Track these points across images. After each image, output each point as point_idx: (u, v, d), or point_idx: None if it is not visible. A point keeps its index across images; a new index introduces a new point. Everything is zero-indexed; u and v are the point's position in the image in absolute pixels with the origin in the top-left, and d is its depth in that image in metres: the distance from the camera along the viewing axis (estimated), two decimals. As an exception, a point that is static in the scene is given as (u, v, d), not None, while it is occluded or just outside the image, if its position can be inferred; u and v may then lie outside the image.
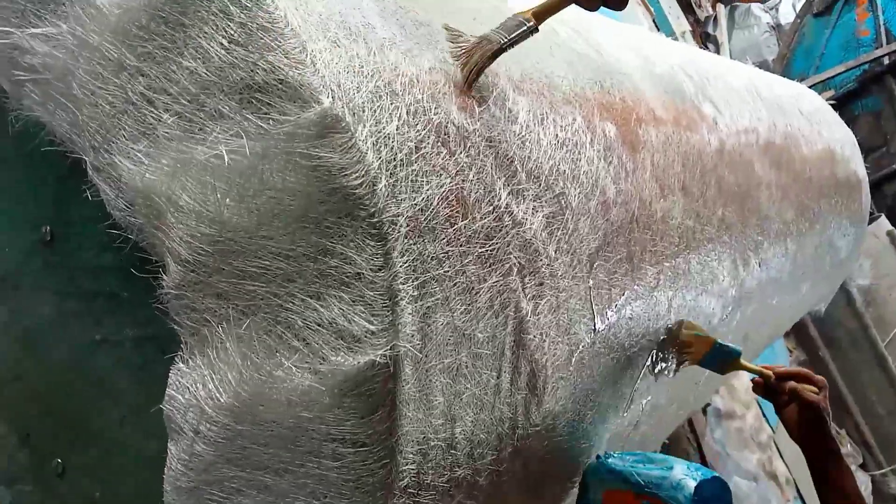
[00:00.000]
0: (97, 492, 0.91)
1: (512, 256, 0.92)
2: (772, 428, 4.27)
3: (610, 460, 1.33)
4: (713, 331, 1.62)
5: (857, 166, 3.12)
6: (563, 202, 1.05)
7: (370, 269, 0.74)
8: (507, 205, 0.93)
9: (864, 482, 5.17)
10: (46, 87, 0.86)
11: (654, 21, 6.15)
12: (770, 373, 1.50)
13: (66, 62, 0.84)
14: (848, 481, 1.51)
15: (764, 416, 4.25)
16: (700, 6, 7.64)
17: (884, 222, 5.37)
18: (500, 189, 0.93)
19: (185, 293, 0.79)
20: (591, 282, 1.10)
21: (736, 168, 1.75)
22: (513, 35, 0.98)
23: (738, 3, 7.43)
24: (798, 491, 4.19)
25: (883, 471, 5.17)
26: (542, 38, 1.29)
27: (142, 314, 0.86)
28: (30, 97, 0.87)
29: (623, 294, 1.20)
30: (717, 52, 7.22)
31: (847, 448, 5.19)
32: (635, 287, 1.24)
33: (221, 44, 0.77)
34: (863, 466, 5.30)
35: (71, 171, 0.88)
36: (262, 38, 0.75)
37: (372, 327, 0.74)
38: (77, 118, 0.84)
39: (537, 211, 0.99)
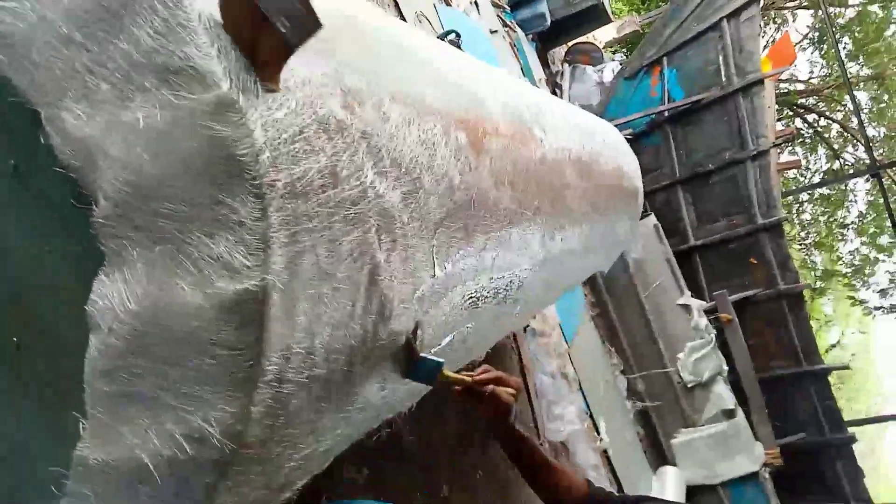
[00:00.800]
0: (43, 364, 0.79)
1: (372, 219, 0.84)
2: (567, 345, 4.36)
3: None
4: (523, 280, 1.58)
5: (637, 181, 3.13)
6: (417, 184, 0.97)
7: (250, 219, 0.65)
8: (371, 181, 0.85)
9: (622, 382, 5.36)
10: (11, 51, 0.72)
11: (521, 69, 6.08)
12: (469, 379, 1.21)
13: (27, 32, 0.71)
14: (538, 457, 1.27)
15: (563, 336, 4.35)
16: (553, 63, 7.62)
17: (652, 219, 5.51)
18: (368, 169, 0.84)
19: (110, 223, 0.69)
20: (434, 242, 1.04)
21: (552, 174, 1.71)
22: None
23: (577, 64, 7.43)
24: (580, 386, 4.30)
25: (634, 375, 5.38)
26: (422, 66, 1.20)
27: (80, 235, 0.74)
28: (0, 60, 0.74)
29: (458, 252, 1.14)
30: (561, 96, 7.22)
31: (614, 360, 5.37)
32: (468, 248, 1.18)
33: (149, 33, 0.65)
34: (623, 372, 5.48)
35: (34, 120, 0.75)
36: (179, 33, 0.64)
37: (248, 263, 0.65)
38: (34, 78, 0.71)
39: (396, 188, 0.91)
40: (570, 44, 8.20)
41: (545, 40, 7.26)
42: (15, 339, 0.81)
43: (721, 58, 6.16)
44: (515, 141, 1.47)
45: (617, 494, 1.26)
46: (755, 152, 5.78)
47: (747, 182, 5.81)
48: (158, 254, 0.67)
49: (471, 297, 1.28)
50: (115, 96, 0.67)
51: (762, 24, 12.54)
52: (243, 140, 0.64)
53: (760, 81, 5.92)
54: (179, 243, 0.67)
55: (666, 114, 6.38)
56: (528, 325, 3.86)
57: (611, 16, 7.58)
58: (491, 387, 1.21)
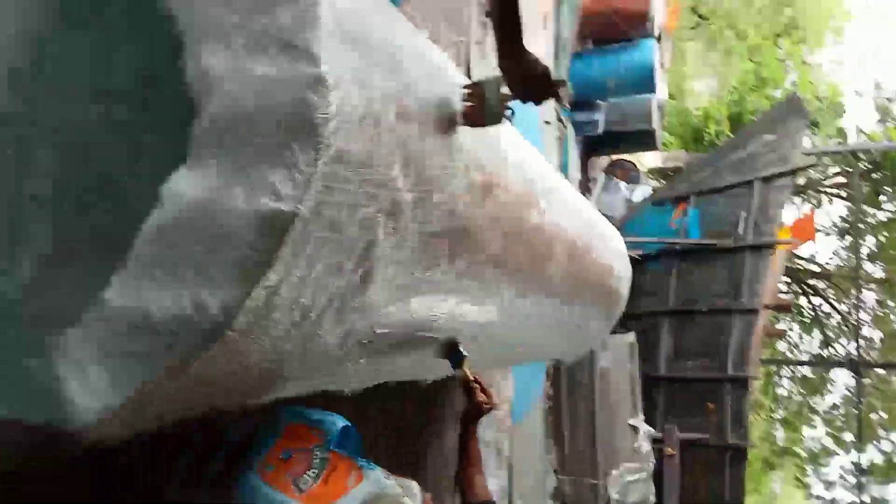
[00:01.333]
0: (107, 223, 1.01)
1: (385, 204, 1.08)
2: (512, 423, 4.49)
3: (295, 409, 1.44)
4: (486, 323, 1.80)
5: (624, 289, 3.36)
6: (427, 196, 1.21)
7: (304, 165, 0.89)
8: (395, 176, 1.09)
9: (551, 480, 5.45)
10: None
11: (560, 164, 6.41)
12: (472, 378, 1.76)
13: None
14: (475, 456, 1.75)
15: (511, 413, 4.48)
16: (591, 169, 8.02)
17: (631, 336, 5.72)
18: (397, 167, 1.09)
19: (205, 134, 0.92)
20: (425, 246, 1.27)
21: (541, 243, 1.95)
22: None
23: (613, 177, 7.82)
24: (510, 467, 4.40)
25: (564, 477, 5.46)
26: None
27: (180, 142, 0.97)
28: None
29: (440, 265, 1.37)
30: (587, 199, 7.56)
31: (551, 456, 5.48)
32: (449, 267, 1.40)
33: (286, 17, 0.91)
34: (556, 472, 5.57)
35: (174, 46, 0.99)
36: (306, 24, 0.90)
37: (290, 193, 0.88)
38: (191, 21, 0.96)
39: (411, 192, 1.15)
40: (614, 157, 8.63)
41: (591, 147, 7.67)
42: (90, 200, 1.04)
43: (744, 213, 6.49)
44: (520, 202, 1.72)
45: None
46: (745, 308, 6.04)
47: (730, 332, 6.05)
48: (229, 166, 0.90)
49: (434, 313, 1.50)
50: (246, 51, 0.92)
51: (793, 197, 13.05)
52: (322, 110, 0.89)
53: (772, 246, 6.23)
54: (248, 164, 0.90)
55: (678, 247, 6.69)
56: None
57: (659, 144, 8.01)
58: (482, 397, 1.75)
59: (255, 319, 0.93)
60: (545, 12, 6.05)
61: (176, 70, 0.97)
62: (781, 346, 15.26)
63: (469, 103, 1.31)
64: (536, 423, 5.18)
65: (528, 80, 1.34)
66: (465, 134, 1.39)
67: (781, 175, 6.49)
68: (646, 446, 5.32)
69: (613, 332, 5.46)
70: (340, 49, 0.96)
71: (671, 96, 10.75)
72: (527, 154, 1.97)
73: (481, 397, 1.77)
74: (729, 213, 6.64)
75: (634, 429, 5.35)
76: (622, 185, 7.62)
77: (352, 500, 1.23)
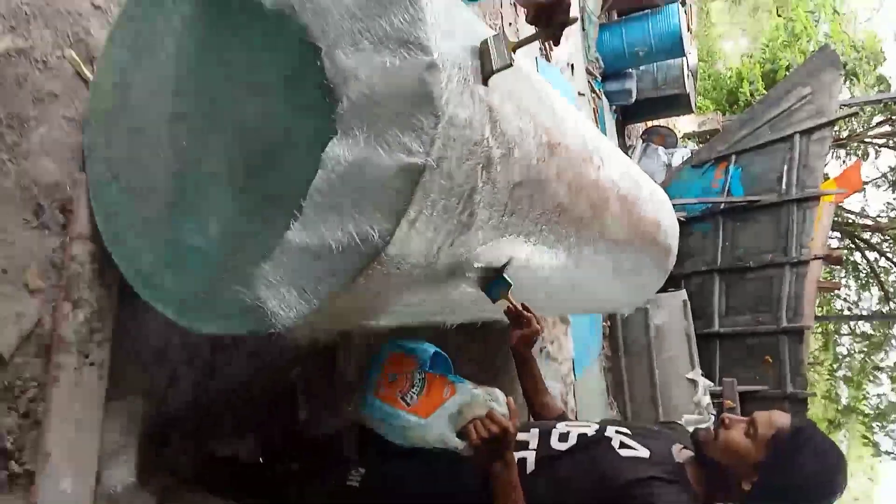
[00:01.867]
0: (273, 188, 1.34)
1: (482, 158, 1.37)
2: (574, 379, 4.77)
3: (395, 342, 1.77)
4: (555, 267, 2.09)
5: (673, 242, 3.59)
6: (510, 152, 1.49)
7: (427, 128, 1.19)
8: (487, 136, 1.37)
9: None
10: (316, 14, 1.29)
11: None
12: (519, 306, 1.79)
13: (329, 4, 1.28)
14: (537, 373, 1.86)
15: (573, 370, 4.75)
16: (629, 137, 8.15)
17: (682, 294, 5.91)
18: (487, 129, 1.37)
19: (348, 115, 1.23)
20: (509, 195, 1.56)
21: (599, 195, 2.22)
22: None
23: (650, 143, 7.95)
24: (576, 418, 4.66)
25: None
26: (527, 80, 1.75)
27: (322, 119, 1.28)
28: (306, 14, 1.30)
29: (521, 211, 1.66)
30: (629, 166, 7.72)
31: (613, 412, 5.73)
32: (529, 212, 1.70)
33: (401, 19, 1.22)
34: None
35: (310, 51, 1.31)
36: (419, 24, 1.20)
37: (420, 149, 1.19)
38: (324, 29, 1.28)
39: (498, 148, 1.43)
40: (649, 124, 8.76)
41: (627, 115, 7.83)
42: (258, 172, 1.37)
43: (786, 168, 6.58)
44: (579, 157, 2.00)
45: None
46: (796, 260, 6.14)
47: (782, 285, 6.17)
48: (371, 135, 1.22)
49: (516, 254, 1.79)
50: (371, 48, 1.23)
51: (838, 151, 12.84)
52: (436, 87, 1.19)
53: (816, 198, 6.31)
54: (383, 132, 1.21)
55: (722, 206, 6.82)
56: (543, 347, 4.31)
57: (694, 107, 8.10)
58: (530, 315, 1.78)
59: (400, 246, 1.24)
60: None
61: (315, 69, 1.29)
62: (839, 304, 15.04)
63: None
64: (597, 382, 5.44)
65: (544, 4, 1.43)
66: (532, 102, 1.68)
67: (820, 127, 6.55)
68: (705, 399, 5.52)
69: (665, 290, 5.68)
70: (441, 40, 1.25)
71: (702, 59, 10.75)
72: (578, 117, 2.25)
73: (532, 325, 1.79)
74: (770, 170, 6.73)
75: (693, 382, 5.55)
76: (660, 149, 7.75)
77: (450, 406, 1.51)
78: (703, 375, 5.71)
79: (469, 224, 1.44)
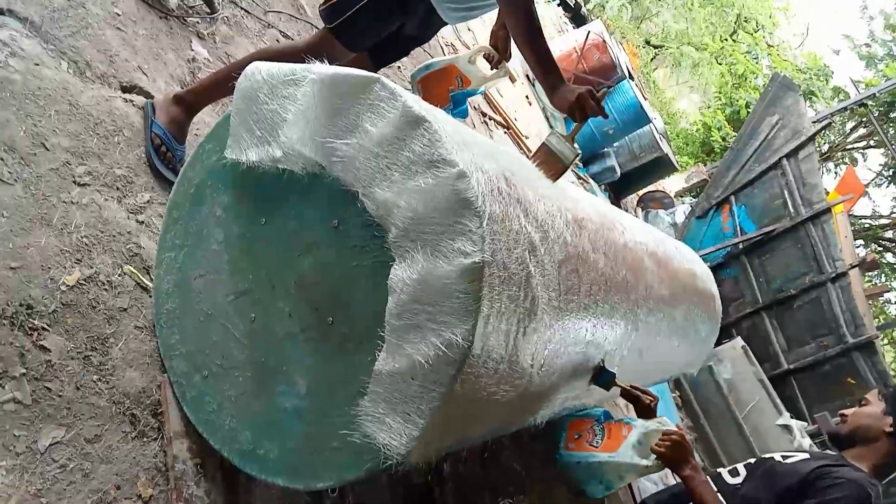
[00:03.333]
0: (348, 329, 1.43)
1: (526, 245, 1.47)
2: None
3: (570, 414, 2.49)
4: (615, 342, 2.13)
5: (712, 287, 3.63)
6: (547, 234, 1.60)
7: (475, 227, 1.29)
8: (523, 225, 1.49)
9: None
10: (346, 166, 1.44)
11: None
12: (628, 386, 2.13)
13: (356, 154, 1.43)
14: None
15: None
16: (626, 210, 8.38)
17: (739, 340, 5.79)
18: (521, 217, 1.49)
19: (398, 240, 1.34)
20: (559, 273, 1.64)
21: (633, 256, 2.31)
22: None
23: (649, 209, 8.16)
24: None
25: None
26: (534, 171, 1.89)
27: (377, 257, 1.40)
28: (336, 168, 1.46)
29: (571, 287, 1.73)
30: (637, 237, 7.88)
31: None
32: (580, 287, 1.77)
33: (418, 147, 1.37)
34: None
35: (351, 197, 1.45)
36: (436, 148, 1.35)
37: (475, 249, 1.28)
38: (357, 175, 1.42)
39: (536, 233, 1.54)
40: (641, 192, 9.04)
41: (618, 191, 8.11)
42: (330, 318, 1.46)
43: (786, 192, 6.72)
44: (604, 226, 2.10)
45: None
46: (833, 275, 6.09)
47: (831, 304, 6.06)
48: (427, 251, 1.32)
49: (585, 336, 1.84)
50: (402, 177, 1.37)
51: (826, 165, 13.11)
52: (471, 191, 1.31)
53: (828, 210, 6.38)
54: (436, 244, 1.31)
55: (740, 246, 6.87)
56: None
57: (676, 165, 8.42)
58: (638, 393, 2.14)
59: (482, 344, 1.30)
60: (525, 94, 6.77)
61: (357, 209, 1.42)
62: (892, 309, 14.62)
63: (541, 160, 1.75)
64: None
65: (574, 102, 1.77)
66: (546, 188, 1.81)
67: (802, 146, 6.77)
68: (806, 441, 5.22)
69: (719, 343, 5.58)
70: (460, 150, 1.40)
71: (666, 122, 11.31)
72: (587, 195, 2.39)
73: (645, 398, 2.13)
74: (772, 198, 6.86)
75: (786, 428, 5.28)
76: (661, 212, 7.94)
77: (631, 438, 2.15)
78: (792, 418, 5.45)
79: (533, 309, 1.50)
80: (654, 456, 1.92)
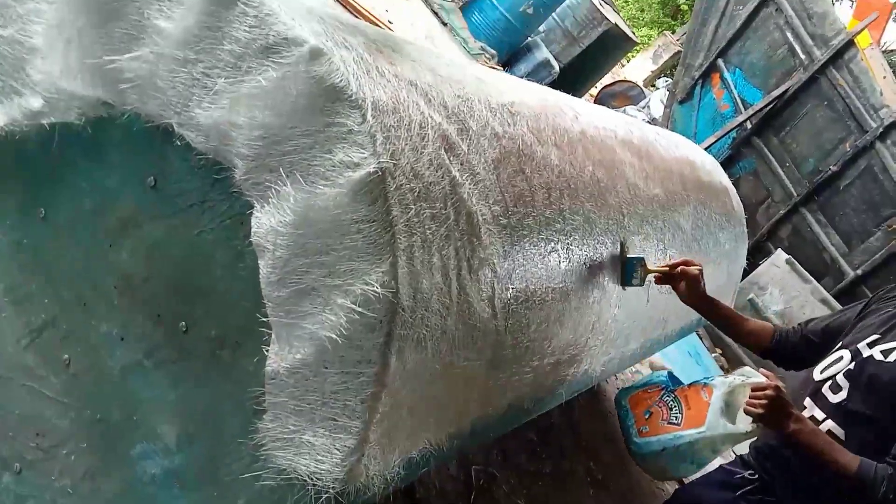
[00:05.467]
0: (213, 330, 1.42)
1: (438, 140, 1.50)
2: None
3: (624, 389, 2.84)
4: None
5: (721, 178, 3.79)
6: (465, 125, 1.64)
7: (356, 125, 1.31)
8: (429, 113, 1.51)
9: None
10: (140, 89, 1.43)
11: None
12: (666, 268, 2.40)
13: (150, 69, 1.42)
14: (727, 310, 2.52)
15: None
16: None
17: (781, 254, 6.07)
18: (422, 104, 1.52)
19: (250, 175, 1.34)
20: (495, 176, 1.68)
21: (598, 146, 2.38)
22: None
23: (613, 108, 8.41)
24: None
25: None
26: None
27: (225, 211, 1.39)
28: (130, 98, 1.44)
29: (516, 191, 1.78)
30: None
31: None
32: (533, 193, 1.82)
33: (245, 30, 1.36)
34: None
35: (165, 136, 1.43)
36: (268, 20, 1.35)
37: (364, 154, 1.30)
38: (162, 100, 1.41)
39: (450, 124, 1.57)
40: (597, 88, 9.29)
41: (567, 88, 8.28)
42: (182, 324, 1.44)
43: (789, 34, 7.05)
44: (546, 110, 2.16)
45: (792, 328, 2.45)
46: (881, 129, 6.45)
47: (887, 169, 6.43)
48: (295, 178, 1.32)
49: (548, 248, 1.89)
50: (231, 83, 1.36)
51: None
52: (336, 73, 1.32)
53: (851, 43, 6.74)
54: (308, 165, 1.32)
55: (748, 125, 7.18)
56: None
57: (634, 37, 8.69)
58: (681, 267, 2.36)
59: (412, 290, 1.32)
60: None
61: (177, 150, 1.41)
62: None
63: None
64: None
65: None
66: (456, 71, 1.85)
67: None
68: None
69: (754, 267, 5.83)
70: (306, 21, 1.41)
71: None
72: (507, 76, 2.45)
73: (685, 268, 2.37)
74: (772, 48, 7.19)
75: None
76: (629, 109, 8.19)
77: (716, 402, 2.37)
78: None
79: (473, 231, 1.53)
80: (750, 419, 2.12)
